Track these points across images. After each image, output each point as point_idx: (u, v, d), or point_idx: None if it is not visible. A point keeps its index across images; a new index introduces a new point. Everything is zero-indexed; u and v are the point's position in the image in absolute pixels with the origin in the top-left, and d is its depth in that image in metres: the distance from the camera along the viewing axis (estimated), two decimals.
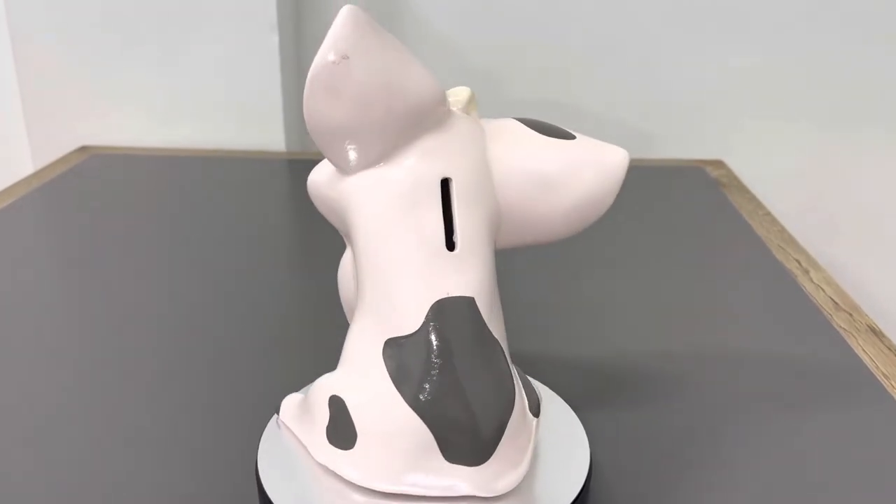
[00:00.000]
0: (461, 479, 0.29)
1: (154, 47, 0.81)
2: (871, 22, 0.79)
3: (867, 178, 0.84)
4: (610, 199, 0.32)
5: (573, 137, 0.32)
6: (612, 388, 0.43)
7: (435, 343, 0.29)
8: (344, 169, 0.31)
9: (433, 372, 0.29)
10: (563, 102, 0.86)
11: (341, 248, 0.62)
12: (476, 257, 0.30)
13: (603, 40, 0.83)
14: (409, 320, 0.29)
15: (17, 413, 0.41)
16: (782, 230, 0.66)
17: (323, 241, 0.64)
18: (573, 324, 0.50)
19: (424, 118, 0.30)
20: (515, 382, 0.31)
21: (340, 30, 0.28)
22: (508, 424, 0.29)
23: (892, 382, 0.44)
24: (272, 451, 0.33)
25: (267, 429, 0.35)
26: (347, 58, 0.28)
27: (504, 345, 0.31)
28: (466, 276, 0.30)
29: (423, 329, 0.29)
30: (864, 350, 0.47)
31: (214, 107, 0.83)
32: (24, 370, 0.45)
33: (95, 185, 0.75)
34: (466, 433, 0.29)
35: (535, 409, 0.32)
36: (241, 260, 0.60)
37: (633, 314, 0.52)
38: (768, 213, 0.69)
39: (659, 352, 0.47)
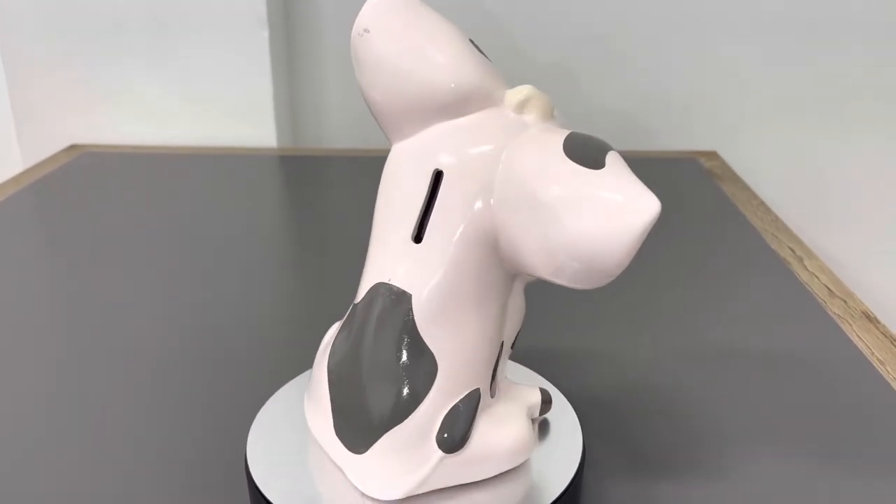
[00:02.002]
0: (342, 456, 0.30)
1: (143, 44, 0.80)
2: (866, 15, 0.79)
3: (860, 168, 0.84)
4: (621, 255, 0.26)
5: (600, 167, 0.27)
6: (606, 378, 0.43)
7: (357, 320, 0.29)
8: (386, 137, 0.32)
9: (345, 346, 0.30)
10: (557, 95, 0.85)
11: (333, 244, 0.62)
12: (437, 257, 0.28)
13: (597, 32, 0.83)
14: (361, 291, 0.30)
15: (6, 411, 0.40)
16: (776, 219, 0.65)
17: (315, 236, 0.63)
18: (567, 314, 0.50)
19: (445, 106, 0.29)
20: (425, 404, 0.28)
21: (368, 4, 0.29)
22: (385, 438, 0.29)
23: (888, 368, 0.44)
24: (261, 441, 0.33)
25: (256, 419, 0.34)
26: (368, 32, 0.29)
27: (453, 358, 0.29)
28: (416, 270, 0.28)
29: (360, 303, 0.30)
30: (858, 336, 0.47)
31: (205, 103, 0.83)
32: (15, 369, 0.44)
33: (85, 183, 0.75)
34: (342, 416, 0.30)
35: (451, 446, 0.29)
36: (232, 256, 0.59)
37: (628, 305, 0.51)
38: (762, 203, 0.69)
39: (653, 341, 0.47)
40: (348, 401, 0.30)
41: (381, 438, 0.29)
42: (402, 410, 0.28)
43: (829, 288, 0.53)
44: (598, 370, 0.44)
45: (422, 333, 0.28)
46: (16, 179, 0.74)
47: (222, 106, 0.83)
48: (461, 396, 0.29)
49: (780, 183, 0.83)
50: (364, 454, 0.29)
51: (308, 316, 0.50)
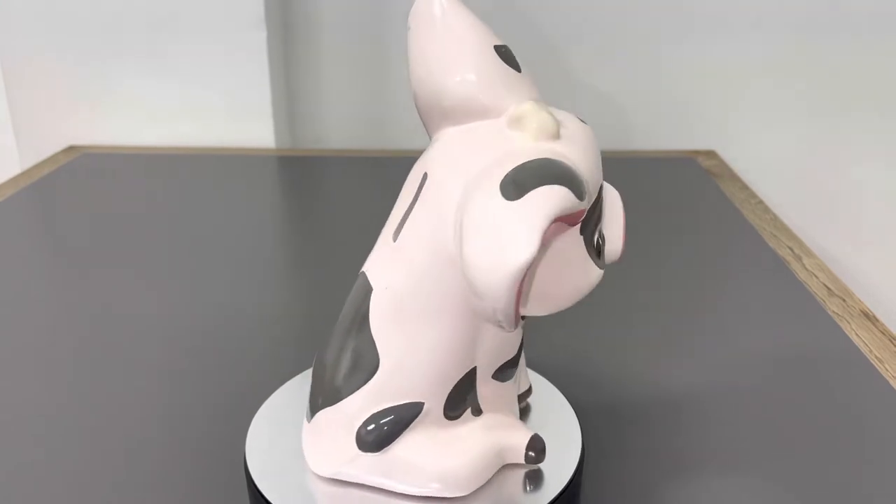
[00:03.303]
0: (305, 420, 0.32)
1: (141, 45, 0.80)
2: (863, 12, 0.79)
3: (858, 167, 0.84)
4: (497, 296, 0.24)
5: (513, 199, 0.24)
6: (605, 375, 0.43)
7: (345, 302, 0.31)
8: None
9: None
10: (553, 93, 0.85)
11: (331, 244, 0.62)
12: (404, 258, 0.28)
13: (596, 31, 0.83)
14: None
15: (6, 411, 0.40)
16: (774, 218, 0.65)
17: (313, 236, 0.63)
18: (566, 315, 0.50)
19: (446, 111, 0.29)
20: (356, 396, 0.29)
21: (415, 1, 0.29)
22: (321, 414, 0.30)
23: (886, 366, 0.44)
24: (261, 441, 0.33)
25: (255, 419, 0.35)
26: (410, 28, 0.29)
27: (397, 362, 0.29)
28: (383, 267, 0.29)
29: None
30: (857, 335, 0.47)
31: (203, 104, 0.83)
32: (14, 369, 0.44)
33: (84, 184, 0.75)
34: (311, 383, 0.31)
35: (365, 445, 0.30)
36: (231, 256, 0.59)
37: (627, 303, 0.51)
38: (760, 202, 0.69)
39: (652, 340, 0.47)
40: (315, 370, 0.31)
41: (318, 413, 0.30)
42: (336, 393, 0.30)
43: (827, 286, 0.53)
44: (597, 369, 0.44)
45: (372, 329, 0.29)
46: (14, 181, 0.74)
47: (220, 107, 0.83)
48: (397, 403, 0.29)
49: (779, 182, 0.83)
50: (310, 423, 0.31)
51: (307, 316, 0.50)
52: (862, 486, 0.35)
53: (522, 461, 0.31)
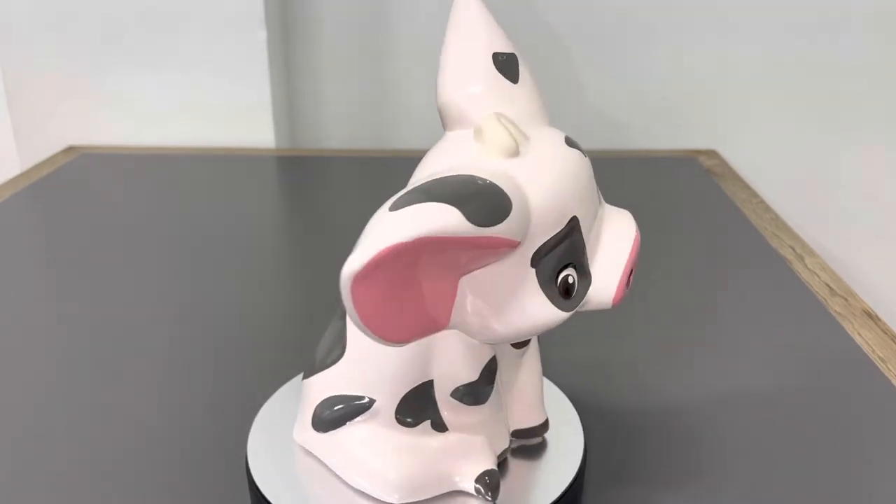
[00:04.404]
0: None
1: (141, 45, 0.80)
2: (864, 11, 0.79)
3: (860, 165, 0.84)
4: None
5: (392, 210, 0.22)
6: (608, 377, 0.43)
7: None
8: None
9: None
10: (554, 92, 0.85)
11: (331, 244, 0.61)
12: None
13: (595, 30, 0.83)
14: None
15: (5, 412, 0.40)
16: (776, 218, 0.65)
17: (313, 236, 0.63)
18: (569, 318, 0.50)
19: (445, 116, 0.28)
20: (320, 377, 0.31)
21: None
22: (303, 383, 0.32)
23: (889, 365, 0.44)
24: (261, 441, 0.33)
25: (256, 419, 0.34)
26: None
27: (357, 355, 0.29)
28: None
29: None
30: (859, 334, 0.47)
31: (202, 104, 0.82)
32: (13, 370, 0.44)
33: (83, 184, 0.75)
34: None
35: (315, 424, 0.31)
36: (231, 256, 0.59)
37: (628, 304, 0.51)
38: (762, 202, 0.69)
39: (654, 341, 0.47)
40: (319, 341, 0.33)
41: (304, 381, 0.32)
42: (310, 368, 0.32)
43: (829, 286, 0.53)
44: (597, 368, 0.44)
45: (348, 320, 0.30)
46: (13, 181, 0.74)
47: (220, 107, 0.82)
48: (350, 393, 0.30)
49: (780, 181, 0.82)
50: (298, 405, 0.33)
51: (307, 316, 0.50)
52: (862, 486, 0.35)
53: (472, 490, 0.30)
